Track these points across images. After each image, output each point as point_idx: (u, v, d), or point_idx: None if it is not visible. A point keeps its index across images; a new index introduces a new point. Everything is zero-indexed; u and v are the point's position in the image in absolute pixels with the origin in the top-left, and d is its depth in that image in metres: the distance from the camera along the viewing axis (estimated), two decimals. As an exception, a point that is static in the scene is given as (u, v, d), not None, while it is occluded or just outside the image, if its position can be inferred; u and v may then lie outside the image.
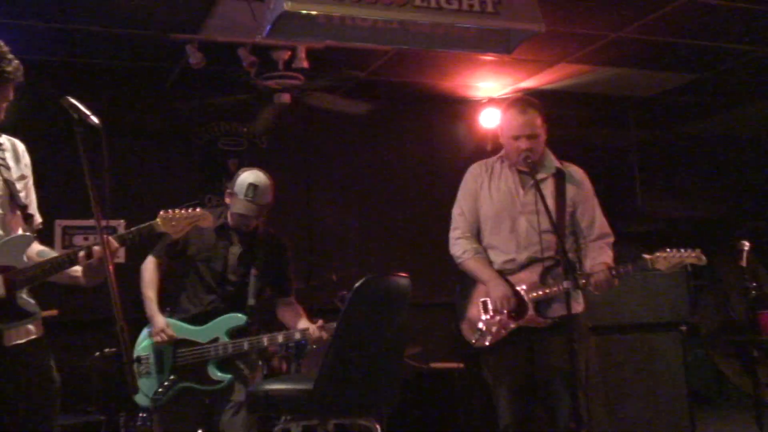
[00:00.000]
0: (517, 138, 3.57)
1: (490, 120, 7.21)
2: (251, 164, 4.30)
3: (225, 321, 4.01)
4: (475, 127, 7.52)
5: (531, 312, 3.57)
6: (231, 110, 6.83)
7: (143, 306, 4.00)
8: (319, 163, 7.24)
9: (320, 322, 3.95)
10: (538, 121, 3.61)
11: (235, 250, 4.10)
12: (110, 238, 2.58)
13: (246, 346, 3.95)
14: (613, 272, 3.50)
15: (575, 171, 3.77)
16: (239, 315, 4.01)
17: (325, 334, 3.88)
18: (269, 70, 5.71)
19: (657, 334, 5.29)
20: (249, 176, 4.05)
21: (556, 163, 3.72)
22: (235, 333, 3.99)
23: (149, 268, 4.07)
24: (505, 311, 3.52)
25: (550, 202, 3.53)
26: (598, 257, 3.60)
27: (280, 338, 3.96)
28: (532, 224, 3.57)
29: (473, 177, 3.77)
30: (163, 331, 3.92)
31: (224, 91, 6.44)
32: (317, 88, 6.16)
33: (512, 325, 3.56)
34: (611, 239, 3.73)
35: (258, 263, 4.05)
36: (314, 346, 4.76)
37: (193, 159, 6.81)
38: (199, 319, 4.02)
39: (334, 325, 3.70)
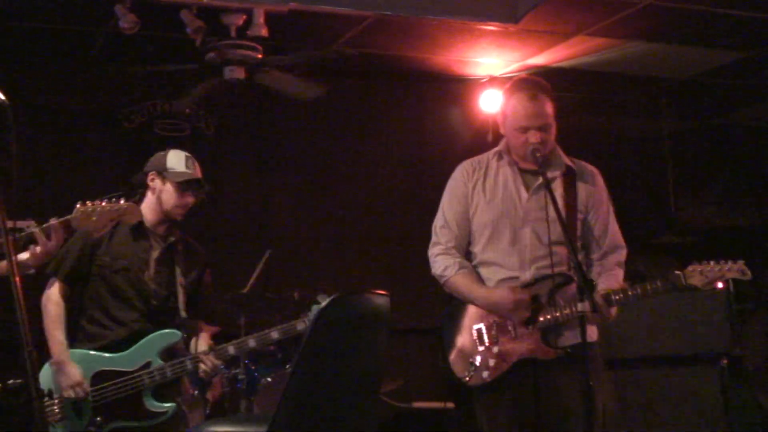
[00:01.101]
0: (525, 130, 3.63)
1: (491, 104, 7.30)
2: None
3: (156, 341, 4.04)
4: (472, 112, 7.64)
5: (537, 341, 3.65)
6: (171, 87, 6.85)
7: (49, 348, 3.96)
8: (279, 156, 7.30)
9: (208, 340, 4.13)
10: (550, 108, 3.68)
11: (155, 254, 4.13)
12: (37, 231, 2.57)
13: (189, 365, 4.01)
14: (613, 298, 3.58)
15: (587, 169, 3.85)
16: (172, 331, 4.06)
17: (211, 363, 4.00)
18: (220, 37, 5.80)
19: (692, 369, 5.36)
20: (178, 152, 4.15)
21: (566, 160, 3.80)
22: (169, 353, 4.04)
23: (54, 298, 4.02)
24: (525, 316, 3.60)
25: (560, 205, 3.59)
26: (606, 280, 3.70)
27: (232, 349, 4.08)
28: (539, 234, 3.65)
29: (463, 178, 3.83)
30: (78, 385, 3.90)
31: (163, 62, 6.44)
32: (283, 65, 6.23)
33: (514, 358, 3.64)
34: (624, 252, 3.82)
35: (181, 269, 4.12)
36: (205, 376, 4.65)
37: (122, 146, 6.83)
38: (120, 344, 4.03)
39: (230, 349, 3.84)
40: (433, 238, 3.86)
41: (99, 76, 6.69)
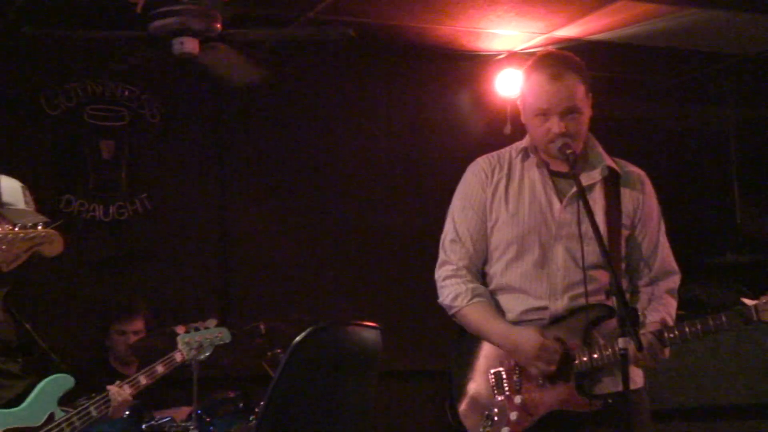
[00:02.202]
0: (544, 114, 3.67)
1: (509, 86, 7.38)
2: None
3: (49, 389, 4.16)
4: (486, 97, 7.72)
5: (570, 389, 3.67)
6: (105, 62, 6.85)
7: None
8: (241, 152, 7.35)
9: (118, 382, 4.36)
10: (581, 91, 3.71)
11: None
12: None
13: (94, 412, 4.21)
14: (666, 336, 3.64)
15: (634, 172, 3.90)
16: (63, 375, 4.19)
17: (128, 392, 4.26)
18: (168, 2, 5.80)
19: (755, 423, 5.41)
20: (8, 179, 4.16)
21: (608, 161, 3.83)
22: (67, 400, 4.18)
23: None
24: (551, 368, 3.64)
25: (600, 219, 3.65)
26: (656, 313, 3.75)
27: (142, 380, 4.40)
28: (573, 255, 3.70)
29: (480, 181, 3.87)
30: None
31: (96, 32, 6.34)
32: (246, 41, 6.26)
33: (542, 411, 3.65)
34: (677, 278, 3.89)
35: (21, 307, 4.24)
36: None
37: (43, 138, 6.84)
38: (10, 401, 4.12)
39: (141, 380, 4.00)
40: (441, 256, 3.88)
41: (15, 49, 6.65)
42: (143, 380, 4.52)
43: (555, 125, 3.64)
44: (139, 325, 6.10)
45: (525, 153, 3.84)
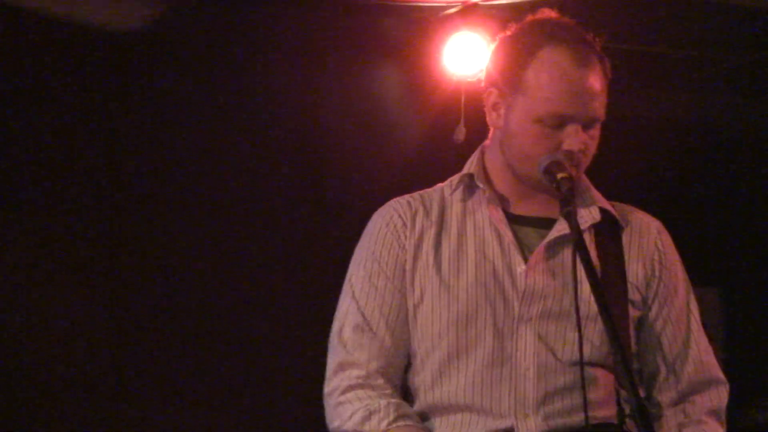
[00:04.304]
0: (561, 122, 3.16)
1: (465, 61, 6.08)
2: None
3: None
4: (427, 77, 6.41)
5: None
6: None
7: None
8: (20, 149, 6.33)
9: None
10: (606, 86, 3.30)
11: None
12: None
13: None
14: None
15: (643, 222, 3.49)
16: None
17: None
18: None
19: None
20: None
21: (601, 201, 3.42)
22: None
23: None
24: None
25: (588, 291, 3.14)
26: None
27: None
28: (550, 344, 3.25)
29: (394, 232, 3.44)
30: None
31: None
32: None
33: None
34: (724, 391, 3.42)
35: None
36: None
37: None
38: None
39: None
40: (336, 356, 3.39)
41: None
42: None
43: (575, 139, 3.16)
44: None
45: (469, 185, 3.37)
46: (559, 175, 3.11)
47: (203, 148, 6.72)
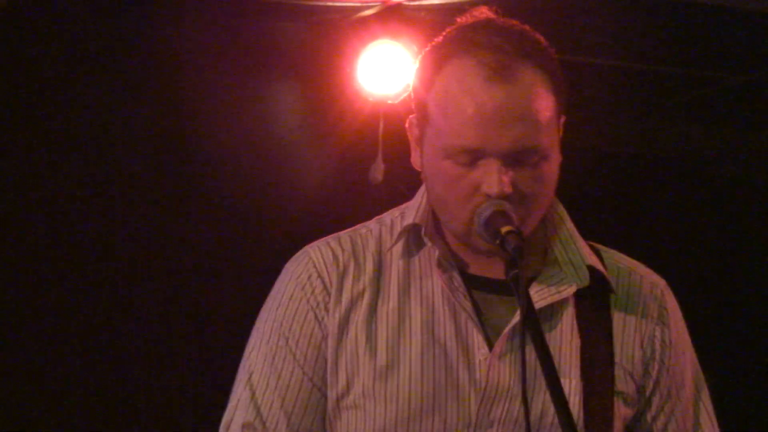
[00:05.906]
0: (470, 156, 2.74)
1: (385, 76, 5.72)
2: None
3: None
4: (338, 96, 6.01)
5: None
6: None
7: None
8: None
9: None
10: (549, 106, 2.75)
11: None
12: None
13: None
14: None
15: (645, 283, 3.00)
16: None
17: None
18: None
19: None
20: None
21: (589, 258, 2.95)
22: None
23: None
24: None
25: (573, 383, 2.79)
26: None
27: None
28: None
29: (310, 295, 2.95)
30: None
31: None
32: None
33: None
34: None
35: None
36: None
37: None
38: None
39: None
40: None
41: None
42: None
43: (492, 179, 2.72)
44: None
45: (414, 237, 2.91)
46: (504, 229, 2.59)
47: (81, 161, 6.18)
